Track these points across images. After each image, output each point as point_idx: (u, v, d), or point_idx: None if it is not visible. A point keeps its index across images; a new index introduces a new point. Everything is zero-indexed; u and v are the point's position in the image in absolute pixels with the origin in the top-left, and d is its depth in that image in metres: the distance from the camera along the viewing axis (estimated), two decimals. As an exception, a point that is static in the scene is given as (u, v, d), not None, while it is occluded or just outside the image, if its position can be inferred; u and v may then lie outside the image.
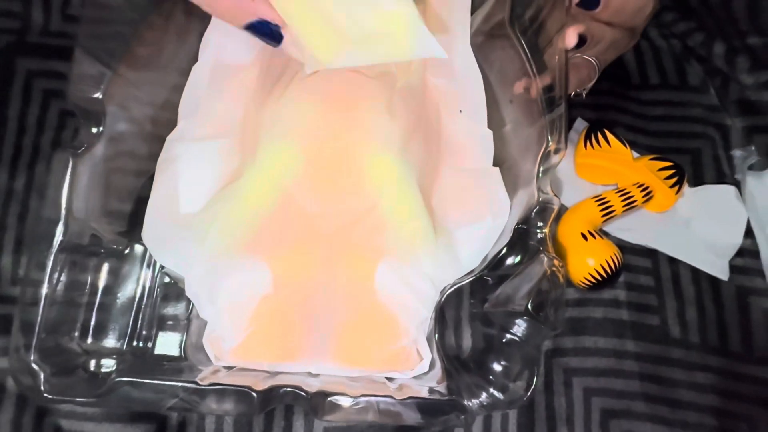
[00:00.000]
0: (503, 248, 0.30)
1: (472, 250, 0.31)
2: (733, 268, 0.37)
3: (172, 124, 0.34)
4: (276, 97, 0.31)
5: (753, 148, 0.39)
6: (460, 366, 0.31)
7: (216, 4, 0.25)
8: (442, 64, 0.34)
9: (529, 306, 0.26)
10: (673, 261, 0.38)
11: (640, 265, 0.39)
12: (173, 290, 0.32)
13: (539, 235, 0.29)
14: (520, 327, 0.27)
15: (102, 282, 0.30)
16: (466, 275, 0.31)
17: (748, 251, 0.37)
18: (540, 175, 0.28)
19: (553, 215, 0.28)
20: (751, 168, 0.39)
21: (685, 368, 0.36)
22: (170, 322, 0.30)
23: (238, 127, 0.32)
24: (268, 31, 0.26)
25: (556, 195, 0.29)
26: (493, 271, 0.31)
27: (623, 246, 0.40)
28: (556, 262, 0.27)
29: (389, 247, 0.29)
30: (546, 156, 0.27)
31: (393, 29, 0.26)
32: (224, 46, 0.34)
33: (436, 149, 0.33)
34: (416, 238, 0.29)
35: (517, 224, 0.29)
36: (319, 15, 0.25)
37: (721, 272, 0.36)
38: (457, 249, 0.31)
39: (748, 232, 0.37)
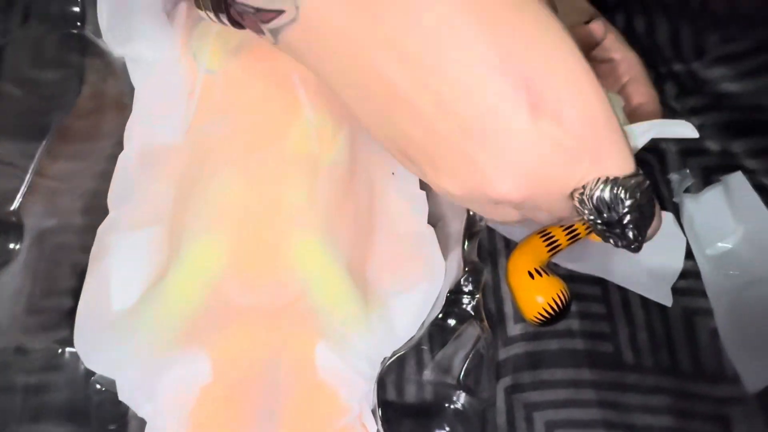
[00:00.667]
0: (439, 314, 0.30)
1: (408, 320, 0.31)
2: (678, 290, 0.38)
3: (104, 213, 0.32)
4: (203, 183, 0.30)
5: (687, 171, 0.40)
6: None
7: None
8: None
9: (461, 377, 0.26)
10: (622, 287, 0.39)
11: (590, 293, 0.40)
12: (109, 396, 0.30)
13: (472, 302, 0.29)
14: (458, 397, 0.27)
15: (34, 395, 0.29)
16: (405, 344, 0.31)
17: (690, 273, 0.39)
18: (466, 242, 0.28)
19: (483, 281, 0.28)
20: (687, 190, 0.41)
21: (640, 392, 0.37)
22: (111, 428, 0.29)
23: (168, 214, 0.31)
24: None
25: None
26: (431, 337, 0.31)
27: (573, 275, 0.41)
28: (486, 326, 0.28)
29: (323, 331, 0.29)
30: (471, 221, 0.27)
31: None
32: (151, 130, 0.33)
33: (368, 218, 0.33)
34: (347, 324, 0.30)
35: (449, 292, 0.30)
36: None
37: (665, 299, 0.37)
38: (393, 320, 0.30)
39: (690, 254, 0.39)
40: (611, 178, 0.21)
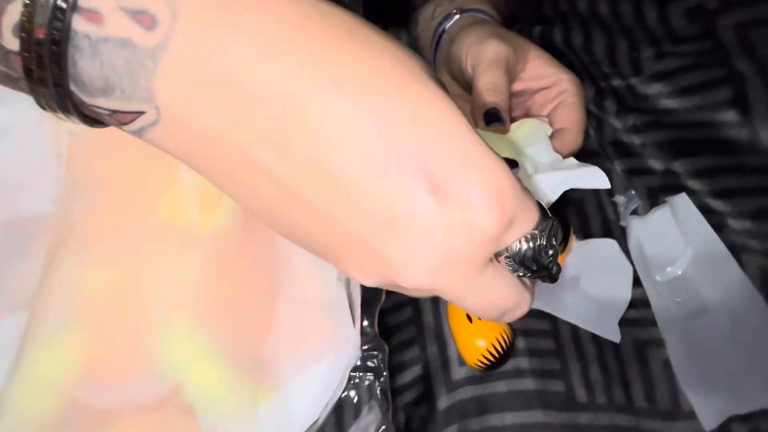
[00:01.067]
0: (343, 392, 0.28)
1: (309, 403, 0.28)
2: (629, 321, 0.36)
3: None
4: (68, 263, 0.27)
5: (633, 192, 0.38)
6: None
7: None
8: None
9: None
10: (571, 320, 0.38)
11: (539, 328, 0.38)
12: None
13: (377, 383, 0.26)
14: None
15: None
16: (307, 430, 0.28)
17: (640, 301, 0.37)
18: (363, 320, 0.26)
19: (385, 360, 0.26)
20: (634, 212, 0.39)
21: (596, 432, 0.35)
22: None
23: (34, 297, 0.28)
24: None
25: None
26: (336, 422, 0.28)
27: (520, 309, 0.39)
28: (389, 418, 0.25)
29: (205, 426, 0.26)
30: (373, 294, 0.25)
31: None
32: (15, 199, 0.30)
33: (269, 283, 0.30)
34: (230, 420, 0.26)
35: (352, 370, 0.27)
36: None
37: (612, 334, 0.35)
38: (292, 405, 0.28)
39: (638, 281, 0.37)
40: (528, 235, 0.20)
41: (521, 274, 0.21)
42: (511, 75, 0.36)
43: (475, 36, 0.36)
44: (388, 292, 0.40)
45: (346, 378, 0.27)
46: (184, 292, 0.27)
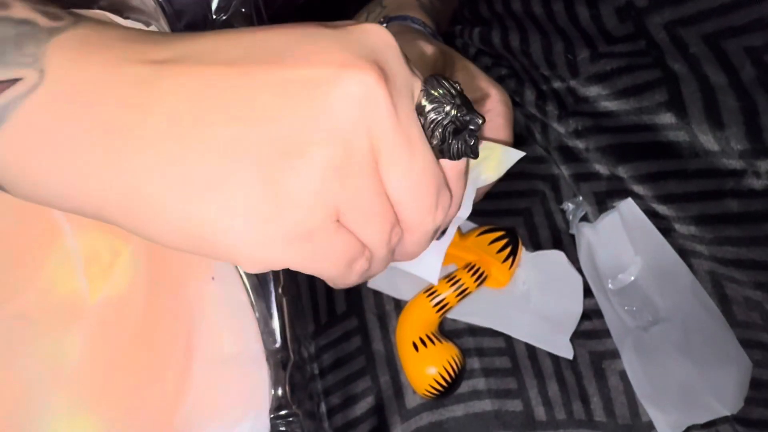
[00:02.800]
0: None
1: None
2: (583, 334, 0.36)
3: None
4: None
5: (581, 198, 0.38)
6: None
7: None
8: None
9: None
10: (525, 336, 0.37)
11: (493, 346, 0.37)
12: None
13: None
14: None
15: None
16: None
17: (593, 312, 0.36)
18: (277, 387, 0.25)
19: (301, 423, 0.25)
20: (585, 219, 0.38)
21: (556, 450, 0.35)
22: None
23: None
24: None
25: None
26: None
27: (474, 328, 0.38)
28: None
29: None
30: (282, 357, 0.24)
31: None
32: None
33: (183, 345, 0.28)
34: None
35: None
36: None
37: (564, 351, 0.34)
38: None
39: (590, 292, 0.36)
40: (426, 82, 0.21)
41: (449, 141, 0.21)
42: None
43: (402, 40, 0.35)
44: (329, 323, 0.39)
45: None
46: (67, 373, 0.25)
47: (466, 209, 0.29)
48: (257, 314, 0.26)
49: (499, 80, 0.43)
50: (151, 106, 0.18)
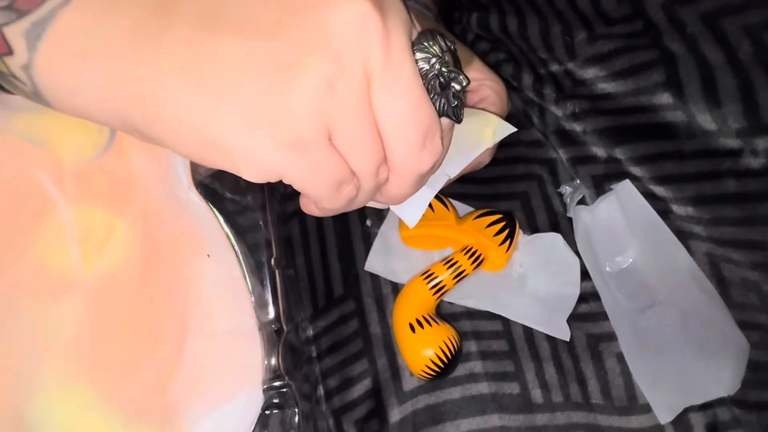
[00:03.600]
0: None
1: None
2: (580, 316, 0.36)
3: None
4: None
5: (578, 181, 0.37)
6: None
7: None
8: (171, 207, 0.29)
9: None
10: (523, 319, 0.37)
11: (490, 329, 0.37)
12: None
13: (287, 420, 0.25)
14: None
15: None
16: None
17: (590, 295, 0.36)
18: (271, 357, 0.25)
19: (294, 395, 0.25)
20: (582, 202, 0.38)
21: (554, 432, 0.35)
22: None
23: None
24: None
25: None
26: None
27: (471, 312, 0.38)
28: None
29: None
30: (275, 327, 0.24)
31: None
32: None
33: (177, 319, 0.28)
34: None
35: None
36: None
37: (561, 332, 0.34)
38: None
39: (587, 275, 0.36)
40: (421, 33, 0.22)
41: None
42: None
43: None
44: (327, 307, 0.39)
45: (256, 418, 0.26)
46: (60, 345, 0.25)
47: (455, 169, 0.30)
48: (250, 286, 0.27)
49: (497, 65, 0.43)
50: (173, 18, 0.20)
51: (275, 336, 0.26)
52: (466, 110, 0.33)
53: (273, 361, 0.26)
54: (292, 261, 0.38)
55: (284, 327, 0.26)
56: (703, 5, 0.31)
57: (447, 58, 0.21)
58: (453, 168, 0.30)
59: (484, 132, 0.31)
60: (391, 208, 0.29)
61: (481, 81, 0.35)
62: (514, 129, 0.31)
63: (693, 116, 0.31)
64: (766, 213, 0.30)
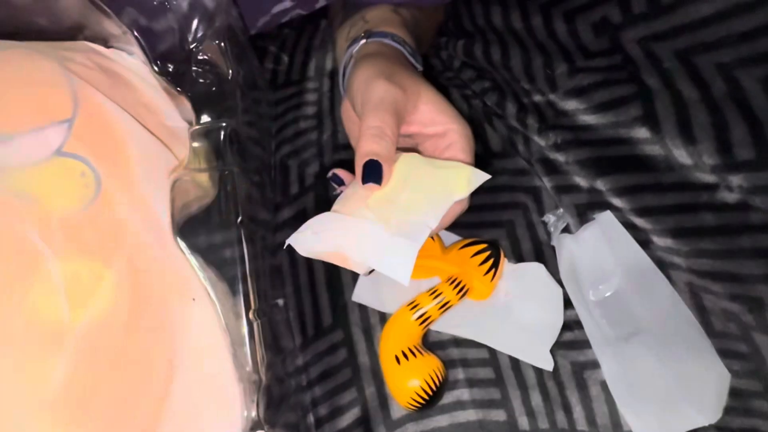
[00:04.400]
0: None
1: None
2: (564, 344, 0.36)
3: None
4: None
5: (561, 210, 0.38)
6: None
7: None
8: (156, 254, 0.30)
9: None
10: (508, 348, 0.37)
11: (477, 357, 0.38)
12: None
13: None
14: None
15: None
16: None
17: (575, 323, 0.37)
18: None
19: None
20: (566, 230, 0.38)
21: (539, 459, 0.35)
22: None
23: None
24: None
25: None
26: None
27: (458, 340, 0.39)
28: None
29: None
30: (255, 380, 0.25)
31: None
32: None
33: (164, 363, 0.28)
34: None
35: None
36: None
37: (545, 363, 0.35)
38: None
39: (571, 303, 0.37)
40: None
41: None
42: (400, 117, 0.34)
43: (366, 73, 0.35)
44: (316, 336, 0.39)
45: None
46: (50, 396, 0.25)
47: (435, 221, 0.31)
48: (230, 339, 0.27)
49: (482, 93, 0.43)
50: None
51: (255, 386, 0.27)
52: (437, 162, 0.33)
53: (253, 412, 0.26)
54: (282, 291, 0.39)
55: (262, 378, 0.27)
56: (677, 42, 0.31)
57: None
58: (432, 220, 0.31)
59: (458, 182, 0.31)
60: (382, 270, 0.30)
61: (447, 126, 0.35)
62: (487, 176, 0.32)
63: (670, 151, 0.32)
64: (742, 246, 0.30)
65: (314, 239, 0.31)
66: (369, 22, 0.43)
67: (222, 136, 0.29)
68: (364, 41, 0.39)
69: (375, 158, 0.31)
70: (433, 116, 0.34)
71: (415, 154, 0.34)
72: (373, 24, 0.42)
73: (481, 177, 0.32)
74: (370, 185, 0.32)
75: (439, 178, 0.32)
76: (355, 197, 0.33)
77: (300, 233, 0.32)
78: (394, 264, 0.29)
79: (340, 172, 0.37)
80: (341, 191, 0.36)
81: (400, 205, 0.32)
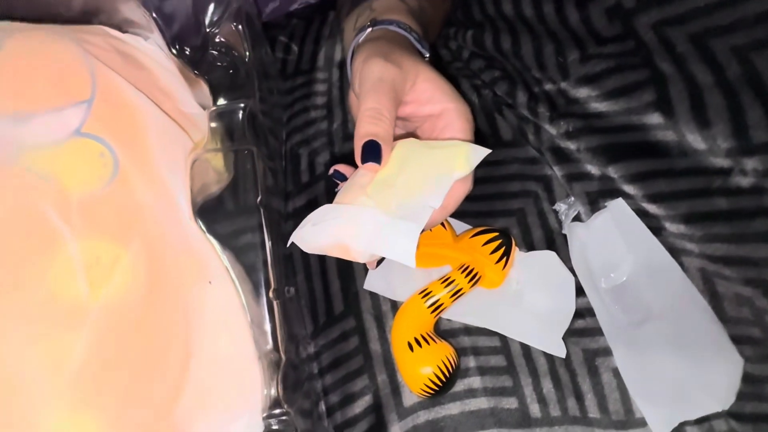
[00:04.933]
0: None
1: None
2: (576, 332, 0.36)
3: None
4: None
5: (572, 199, 0.38)
6: None
7: None
8: (174, 236, 0.30)
9: None
10: (520, 335, 0.37)
11: (488, 345, 0.38)
12: None
13: None
14: None
15: None
16: None
17: (586, 310, 0.37)
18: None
19: (292, 422, 0.25)
20: (577, 219, 0.38)
21: (551, 447, 0.35)
22: None
23: None
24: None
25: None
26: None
27: (470, 328, 0.39)
28: None
29: None
30: (274, 358, 0.25)
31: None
32: None
33: (180, 344, 0.29)
34: None
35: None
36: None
37: (558, 349, 0.35)
38: None
39: (583, 291, 0.37)
40: None
41: None
42: (398, 98, 0.34)
43: (364, 54, 0.35)
44: (328, 324, 0.39)
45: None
46: (68, 372, 0.26)
47: (437, 201, 0.31)
48: (249, 318, 0.27)
49: (492, 82, 0.43)
50: None
51: (275, 365, 0.27)
52: (435, 143, 0.33)
53: (272, 390, 0.26)
54: (294, 279, 0.39)
55: (282, 357, 0.27)
56: (691, 26, 0.31)
57: None
58: (433, 200, 0.31)
59: (456, 160, 0.31)
60: (385, 255, 0.29)
61: (445, 104, 0.35)
62: (487, 151, 0.32)
63: (683, 136, 0.32)
64: (756, 230, 0.30)
65: (315, 233, 0.31)
66: (375, 11, 0.43)
67: (240, 117, 0.29)
68: (370, 29, 0.39)
69: (373, 138, 0.32)
70: (431, 94, 0.34)
71: (413, 139, 0.34)
72: (379, 12, 0.42)
73: (481, 153, 0.32)
74: (370, 165, 0.32)
75: (438, 158, 0.32)
76: (354, 187, 0.33)
77: (301, 228, 0.32)
78: (397, 247, 0.29)
79: (341, 168, 0.37)
80: (342, 187, 0.36)
81: (399, 189, 0.32)
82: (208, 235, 0.29)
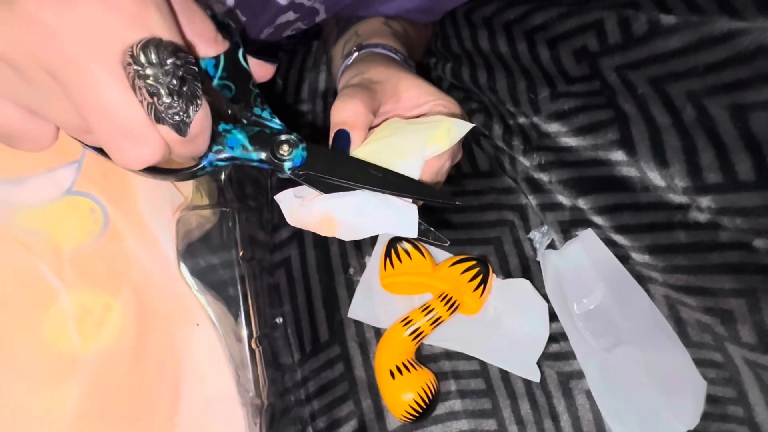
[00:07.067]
0: None
1: None
2: (551, 355, 0.38)
3: None
4: None
5: (546, 228, 0.40)
6: None
7: None
8: (161, 282, 0.31)
9: None
10: (498, 360, 0.39)
11: (468, 369, 0.40)
12: None
13: None
14: None
15: None
16: None
17: (560, 335, 0.38)
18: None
19: None
20: (552, 246, 0.40)
21: (529, 467, 0.37)
22: None
23: None
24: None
25: None
26: None
27: (450, 353, 0.40)
28: None
29: None
30: (257, 404, 0.26)
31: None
32: None
33: (170, 387, 0.30)
34: None
35: None
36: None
37: (532, 374, 0.37)
38: None
39: (557, 316, 0.39)
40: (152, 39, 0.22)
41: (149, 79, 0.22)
42: (373, 95, 0.35)
43: (346, 78, 0.37)
44: (314, 351, 0.41)
45: None
46: (63, 422, 0.27)
47: (416, 169, 0.32)
48: (233, 365, 0.29)
49: (470, 114, 0.45)
50: None
51: (257, 410, 0.28)
52: (418, 120, 0.34)
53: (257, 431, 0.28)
54: (280, 309, 0.41)
55: (264, 402, 0.28)
56: (650, 70, 0.33)
57: (178, 71, 0.22)
58: (413, 170, 0.32)
59: (439, 134, 0.33)
60: (392, 231, 0.30)
61: (432, 102, 0.37)
62: (470, 125, 0.33)
63: (644, 173, 0.34)
64: (713, 262, 0.32)
65: (303, 206, 0.32)
66: (361, 36, 0.44)
67: (223, 176, 0.31)
68: (356, 53, 0.41)
69: (343, 127, 0.33)
70: (417, 99, 0.36)
71: (397, 118, 0.36)
72: (365, 37, 0.44)
73: (464, 127, 0.33)
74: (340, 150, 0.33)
75: (420, 132, 0.33)
76: None
77: (286, 195, 0.32)
78: (397, 224, 0.30)
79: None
80: None
81: (381, 164, 0.32)
82: (190, 279, 0.30)
